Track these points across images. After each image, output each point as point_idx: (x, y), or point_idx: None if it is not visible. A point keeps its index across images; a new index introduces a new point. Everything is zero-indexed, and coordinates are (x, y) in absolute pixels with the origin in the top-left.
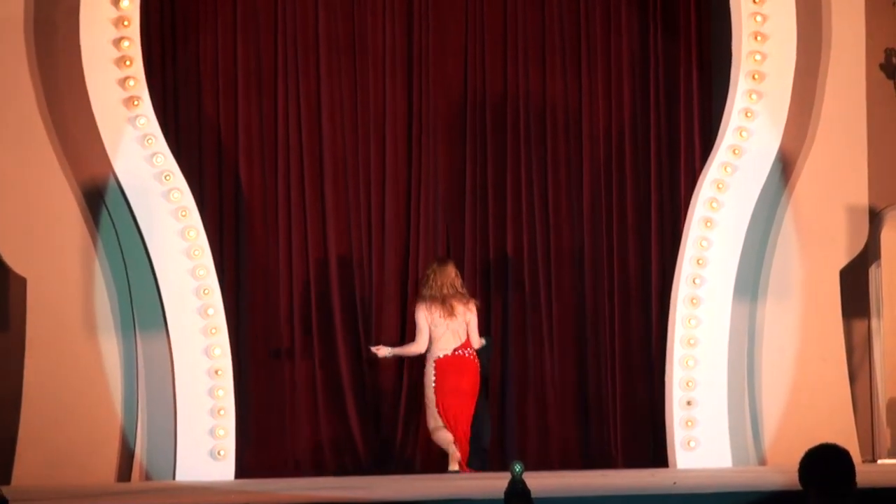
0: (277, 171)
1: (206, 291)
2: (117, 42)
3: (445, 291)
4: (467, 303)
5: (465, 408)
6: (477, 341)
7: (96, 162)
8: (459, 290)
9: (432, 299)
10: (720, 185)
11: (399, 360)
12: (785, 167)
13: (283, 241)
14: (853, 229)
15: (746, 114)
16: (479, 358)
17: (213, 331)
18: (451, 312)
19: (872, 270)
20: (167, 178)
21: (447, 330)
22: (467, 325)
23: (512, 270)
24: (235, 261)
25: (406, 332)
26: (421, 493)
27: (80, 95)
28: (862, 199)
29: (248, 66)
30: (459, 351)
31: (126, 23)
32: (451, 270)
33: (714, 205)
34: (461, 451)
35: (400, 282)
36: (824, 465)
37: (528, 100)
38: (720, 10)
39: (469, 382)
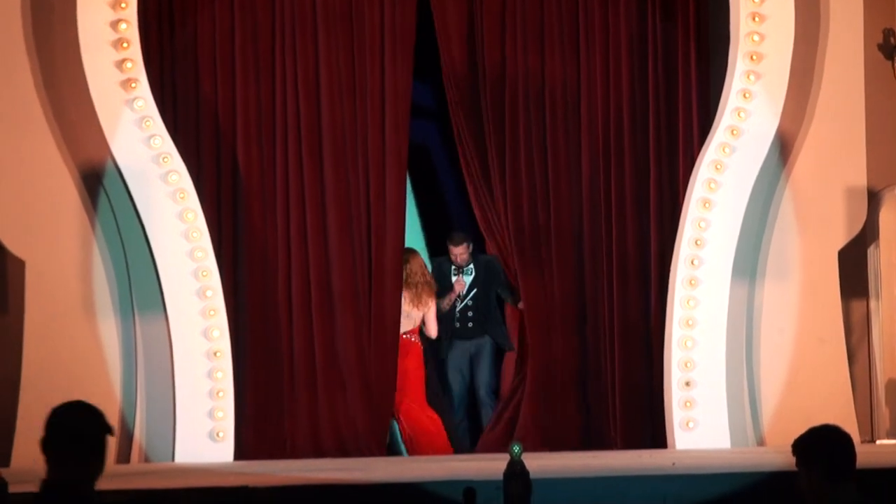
0: (276, 152)
1: (205, 273)
2: (115, 24)
3: (418, 279)
4: (431, 293)
5: (410, 389)
6: (434, 331)
7: (94, 144)
8: (429, 279)
9: (406, 286)
10: (718, 166)
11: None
12: (783, 148)
13: (282, 222)
14: (852, 210)
15: (745, 95)
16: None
17: (212, 313)
18: (418, 301)
19: (871, 251)
20: (165, 160)
21: (405, 316)
22: (425, 315)
23: (510, 251)
24: (234, 242)
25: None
26: (419, 474)
27: (78, 77)
28: (860, 179)
29: (245, 48)
30: (406, 335)
31: (123, 5)
32: (420, 260)
33: (712, 185)
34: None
35: (399, 263)
36: (829, 446)
37: (527, 81)
38: None
39: (411, 364)
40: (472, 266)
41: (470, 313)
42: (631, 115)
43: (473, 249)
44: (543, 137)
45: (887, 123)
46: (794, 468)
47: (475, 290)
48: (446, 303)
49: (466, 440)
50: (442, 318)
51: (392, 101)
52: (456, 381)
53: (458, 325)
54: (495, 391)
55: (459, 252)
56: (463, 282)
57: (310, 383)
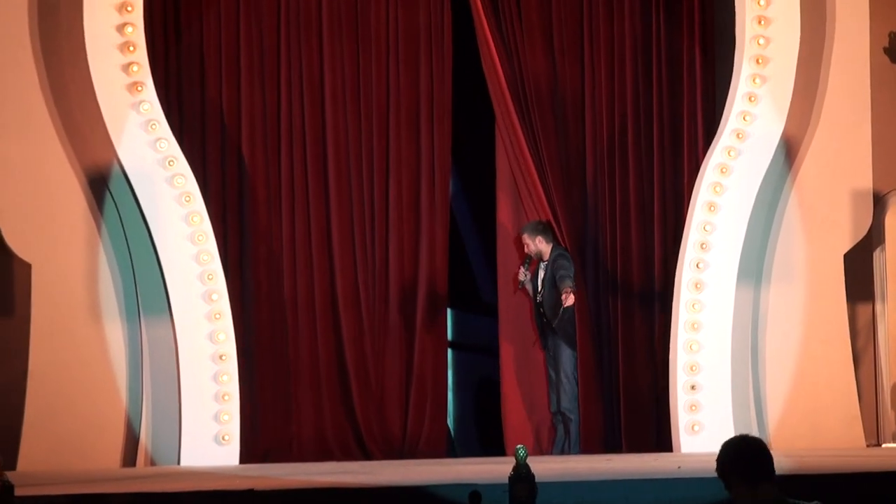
0: (281, 155)
1: (210, 276)
2: (121, 27)
3: None
4: None
5: None
6: None
7: (100, 147)
8: None
9: None
10: (724, 170)
11: (406, 346)
12: (789, 151)
13: (287, 225)
14: (857, 213)
15: (750, 98)
16: None
17: (217, 316)
18: None
19: (876, 255)
20: (171, 163)
21: None
22: None
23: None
24: (239, 246)
25: (411, 315)
26: (425, 477)
27: (84, 81)
28: (866, 183)
29: (251, 51)
30: None
31: (129, 8)
32: None
33: (717, 189)
34: None
35: (403, 265)
36: (742, 453)
37: (531, 84)
38: None
39: None
40: (546, 263)
41: (542, 309)
42: (635, 118)
43: (556, 239)
44: (547, 141)
45: (893, 127)
46: (798, 472)
47: (544, 287)
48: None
49: (560, 440)
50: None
51: (395, 104)
52: (548, 377)
53: (536, 321)
54: (576, 397)
55: (523, 241)
56: (521, 272)
57: (315, 386)
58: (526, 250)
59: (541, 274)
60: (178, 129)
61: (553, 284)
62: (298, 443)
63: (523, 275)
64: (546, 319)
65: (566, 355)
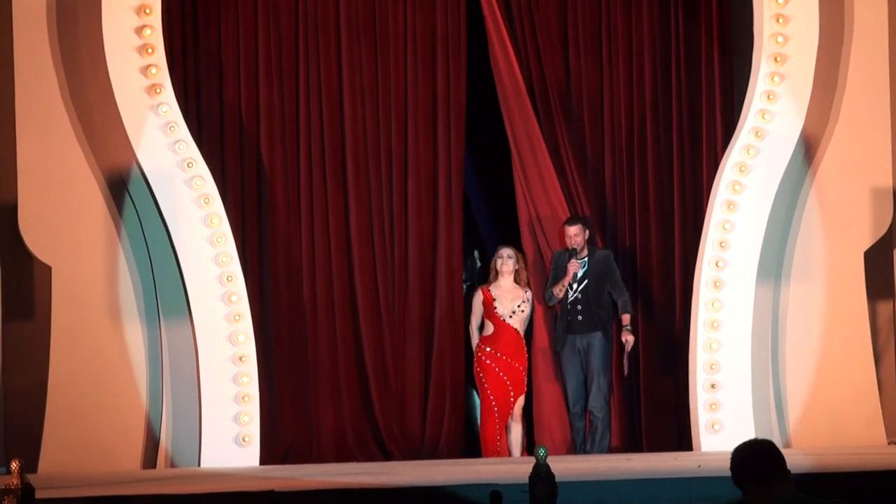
0: (299, 157)
1: (230, 278)
2: (139, 30)
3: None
4: None
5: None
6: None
7: (119, 150)
8: None
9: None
10: (742, 168)
11: (425, 346)
12: (808, 149)
13: (306, 227)
14: (877, 211)
15: (769, 96)
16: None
17: (237, 318)
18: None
19: None
20: (190, 165)
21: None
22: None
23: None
24: (258, 247)
25: (430, 315)
26: (445, 478)
27: (103, 84)
28: (886, 180)
29: (269, 53)
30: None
31: (148, 11)
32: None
33: (736, 188)
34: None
35: (422, 266)
36: (754, 456)
37: (550, 84)
38: None
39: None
40: (586, 258)
41: (579, 307)
42: (654, 117)
43: (591, 238)
44: (566, 140)
45: None
46: (819, 470)
47: (586, 283)
48: (559, 288)
49: (580, 438)
50: (554, 310)
51: (414, 104)
52: (569, 377)
53: (568, 318)
54: (606, 396)
55: (574, 232)
56: (577, 264)
57: (335, 387)
58: (570, 243)
59: (581, 270)
60: (196, 131)
61: (602, 281)
62: (318, 444)
63: (575, 265)
64: (581, 317)
65: (605, 353)
